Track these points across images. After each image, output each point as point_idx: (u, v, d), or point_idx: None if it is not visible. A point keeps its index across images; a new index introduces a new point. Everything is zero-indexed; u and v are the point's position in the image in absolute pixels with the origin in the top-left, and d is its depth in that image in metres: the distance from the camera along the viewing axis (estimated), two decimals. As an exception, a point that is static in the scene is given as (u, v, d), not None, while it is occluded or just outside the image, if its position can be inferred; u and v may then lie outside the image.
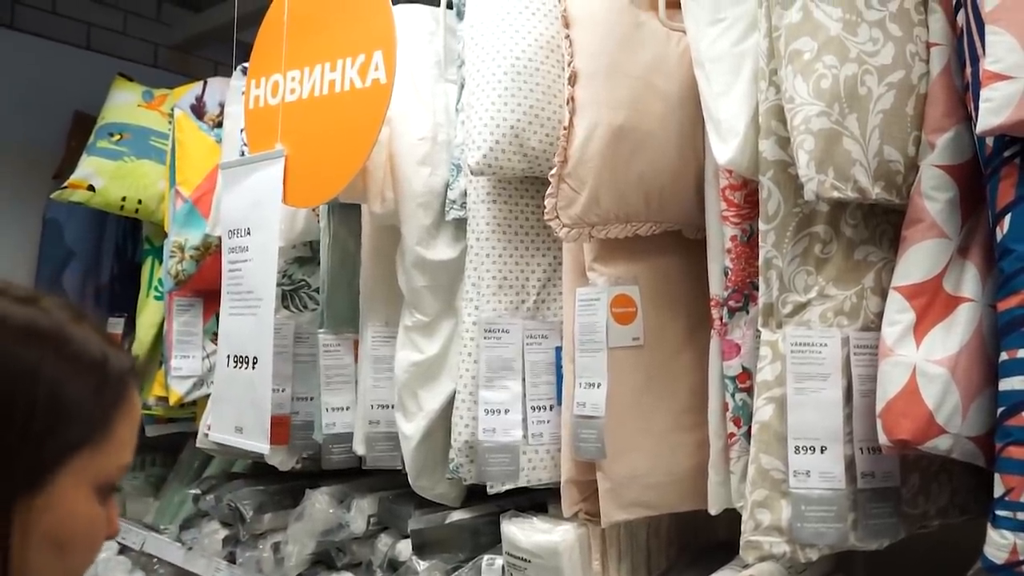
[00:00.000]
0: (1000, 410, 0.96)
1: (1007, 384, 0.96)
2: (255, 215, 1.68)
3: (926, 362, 1.02)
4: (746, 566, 1.21)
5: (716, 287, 1.26)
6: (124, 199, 2.33)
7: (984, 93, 0.95)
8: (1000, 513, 0.95)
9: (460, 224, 1.55)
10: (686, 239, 1.39)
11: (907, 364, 1.03)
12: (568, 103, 1.27)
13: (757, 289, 1.18)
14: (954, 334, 1.03)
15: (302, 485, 1.88)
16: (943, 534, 1.19)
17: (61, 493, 0.59)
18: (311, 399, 1.85)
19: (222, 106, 2.24)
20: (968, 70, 1.04)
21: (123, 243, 2.57)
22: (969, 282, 1.05)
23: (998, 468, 0.96)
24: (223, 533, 2.03)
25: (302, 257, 1.94)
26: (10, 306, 0.61)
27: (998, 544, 0.94)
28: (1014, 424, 0.94)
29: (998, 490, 0.95)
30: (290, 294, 1.93)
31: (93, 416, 0.61)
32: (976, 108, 0.97)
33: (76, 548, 0.61)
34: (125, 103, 2.46)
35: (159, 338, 2.31)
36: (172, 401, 2.16)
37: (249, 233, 1.69)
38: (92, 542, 0.63)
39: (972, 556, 1.05)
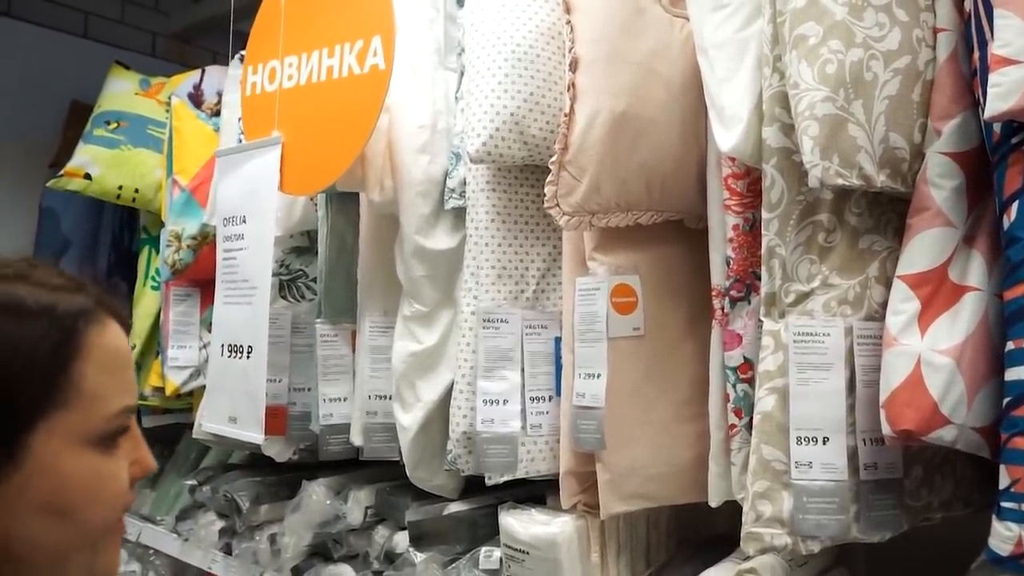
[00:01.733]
0: (1006, 400, 0.95)
1: (1013, 374, 0.94)
2: (251, 203, 1.66)
3: (931, 352, 1.01)
4: (747, 558, 1.20)
5: (718, 277, 1.25)
6: (121, 188, 2.31)
7: (992, 78, 0.93)
8: (1005, 505, 0.93)
9: (459, 213, 1.54)
10: (688, 228, 1.38)
11: (911, 354, 1.01)
12: (569, 90, 1.25)
13: (759, 279, 1.16)
14: (959, 323, 1.02)
15: (299, 476, 1.87)
16: (946, 527, 1.18)
17: (43, 459, 0.55)
18: (308, 390, 1.84)
19: (220, 94, 2.22)
20: (976, 55, 1.02)
21: (120, 232, 2.55)
22: (975, 271, 1.04)
23: (1003, 459, 0.94)
24: (219, 524, 2.02)
25: (300, 247, 1.92)
26: (48, 289, 0.58)
27: (1003, 536, 0.93)
28: (1020, 414, 0.93)
29: (1003, 481, 0.94)
30: (287, 284, 1.91)
31: (47, 374, 0.56)
32: (984, 94, 0.96)
33: (83, 509, 0.59)
34: (122, 91, 2.44)
35: (156, 328, 2.29)
36: (168, 391, 2.14)
37: (245, 221, 1.67)
38: (99, 496, 0.60)
39: (976, 549, 1.04)
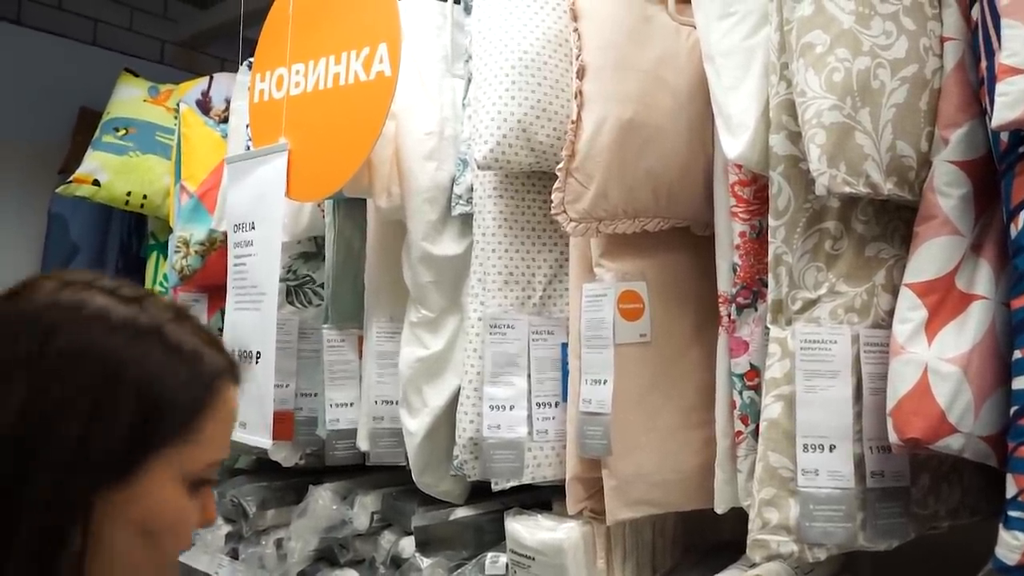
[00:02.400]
0: (1013, 409, 0.95)
1: (1021, 383, 0.94)
2: (259, 209, 1.67)
3: (938, 360, 1.01)
4: (753, 565, 1.20)
5: (724, 284, 1.25)
6: (129, 194, 2.32)
7: (999, 87, 0.93)
8: (1012, 514, 0.93)
9: (466, 219, 1.54)
10: (694, 235, 1.38)
11: (919, 362, 1.01)
12: (576, 97, 1.26)
13: (766, 286, 1.16)
14: (967, 332, 1.02)
15: (305, 481, 1.87)
16: (953, 535, 1.18)
17: (149, 485, 0.60)
18: (315, 395, 1.85)
19: (228, 101, 2.23)
20: (983, 64, 1.02)
21: (128, 238, 2.57)
22: (982, 279, 1.04)
23: (1011, 468, 0.94)
24: (226, 529, 2.02)
25: (307, 252, 1.93)
26: (114, 304, 0.63)
27: (1010, 545, 0.93)
28: (1028, 423, 0.93)
29: (1010, 490, 0.94)
30: (295, 289, 1.92)
31: (183, 413, 0.62)
32: (991, 103, 0.96)
33: (165, 537, 0.63)
34: (131, 98, 2.45)
35: (163, 333, 2.30)
36: (176, 396, 2.15)
37: (254, 227, 1.68)
38: (181, 532, 0.65)
39: (983, 558, 1.04)
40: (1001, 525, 0.94)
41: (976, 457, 1.02)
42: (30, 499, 0.55)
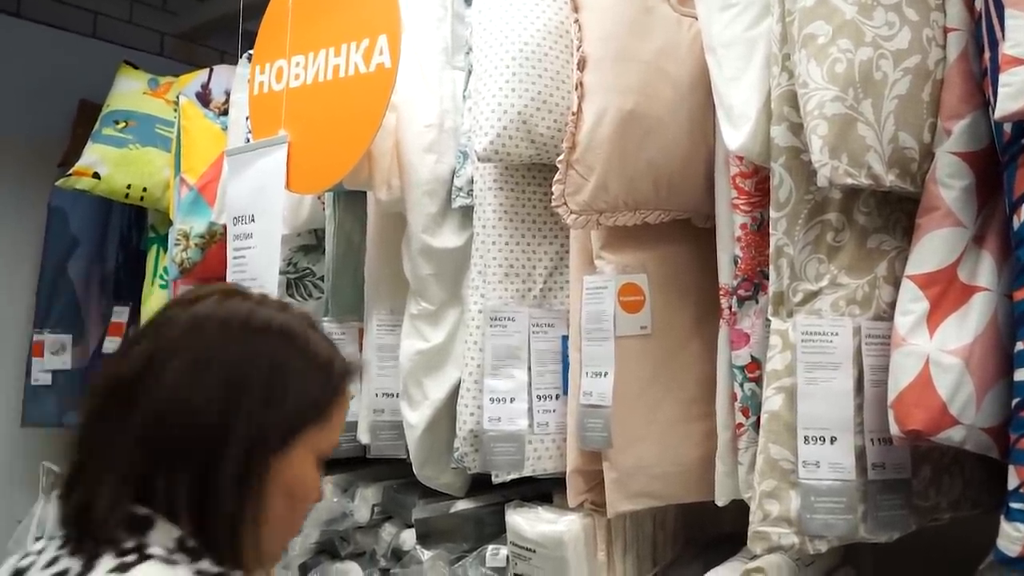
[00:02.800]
0: (1015, 401, 0.95)
1: (1023, 375, 0.94)
2: (259, 202, 1.67)
3: (940, 352, 1.00)
4: (754, 557, 1.20)
5: (725, 276, 1.25)
6: (129, 187, 2.32)
7: (1003, 78, 0.93)
8: (1014, 506, 0.93)
9: (467, 212, 1.54)
10: (695, 227, 1.38)
11: (920, 354, 1.01)
12: (577, 88, 1.25)
13: (767, 278, 1.16)
14: (969, 324, 1.01)
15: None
16: (954, 527, 1.18)
17: (296, 457, 0.75)
18: (315, 388, 1.84)
19: (228, 94, 2.23)
20: (986, 55, 1.02)
21: (128, 231, 2.57)
22: (984, 271, 1.03)
23: (1012, 460, 0.94)
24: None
25: (307, 245, 1.93)
26: (273, 312, 0.78)
27: (1012, 537, 0.93)
28: (1030, 415, 0.93)
29: (1012, 482, 0.93)
30: (295, 282, 1.92)
31: (320, 402, 0.77)
32: (994, 94, 0.95)
33: (301, 501, 0.79)
34: (130, 91, 2.44)
35: (164, 327, 2.30)
36: (176, 390, 2.15)
37: (253, 220, 1.68)
38: (310, 499, 0.80)
39: (984, 550, 1.04)
40: (1003, 517, 0.94)
41: (978, 449, 1.01)
42: (226, 455, 0.71)
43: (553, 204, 1.26)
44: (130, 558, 0.67)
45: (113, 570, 0.66)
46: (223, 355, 0.73)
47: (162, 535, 0.70)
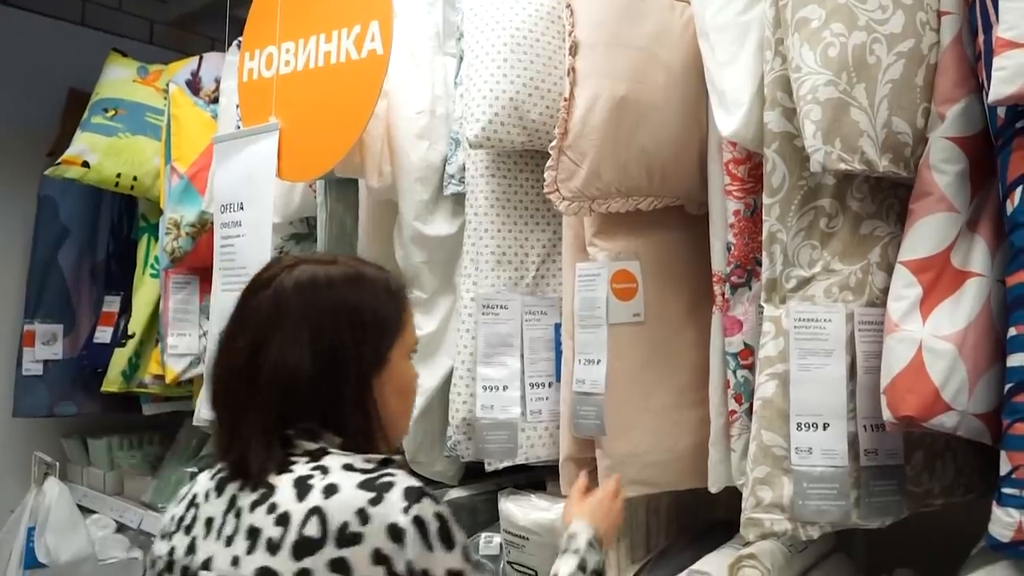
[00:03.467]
0: (1008, 386, 0.94)
1: (1016, 360, 0.94)
2: (248, 190, 1.66)
3: (933, 338, 1.00)
4: (746, 544, 1.20)
5: (718, 263, 1.24)
6: (119, 176, 2.30)
7: (997, 61, 0.92)
8: (1006, 491, 0.93)
9: (459, 199, 1.53)
10: (689, 214, 1.37)
11: (913, 340, 1.01)
12: (569, 74, 1.24)
13: (760, 264, 1.16)
14: (962, 309, 1.01)
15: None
16: (947, 513, 1.18)
17: (395, 364, 0.90)
18: (307, 376, 1.83)
19: (218, 81, 2.21)
20: (980, 39, 1.01)
21: (119, 220, 2.54)
22: (978, 256, 1.03)
23: (1004, 445, 0.94)
24: (220, 511, 2.02)
25: (299, 234, 1.91)
26: (330, 268, 0.90)
27: (1004, 522, 0.93)
28: (1022, 401, 0.93)
29: (1004, 468, 0.93)
30: (286, 271, 1.90)
31: (395, 318, 0.91)
32: (988, 77, 0.95)
33: (408, 393, 0.95)
34: (119, 79, 2.42)
35: (155, 316, 2.29)
36: (169, 379, 2.14)
37: (242, 208, 1.67)
38: (414, 386, 0.97)
39: (976, 535, 1.04)
40: (995, 502, 0.94)
41: (970, 435, 1.01)
42: (342, 396, 0.85)
43: (545, 190, 1.25)
44: (317, 453, 0.84)
45: (308, 458, 0.83)
46: (309, 320, 0.85)
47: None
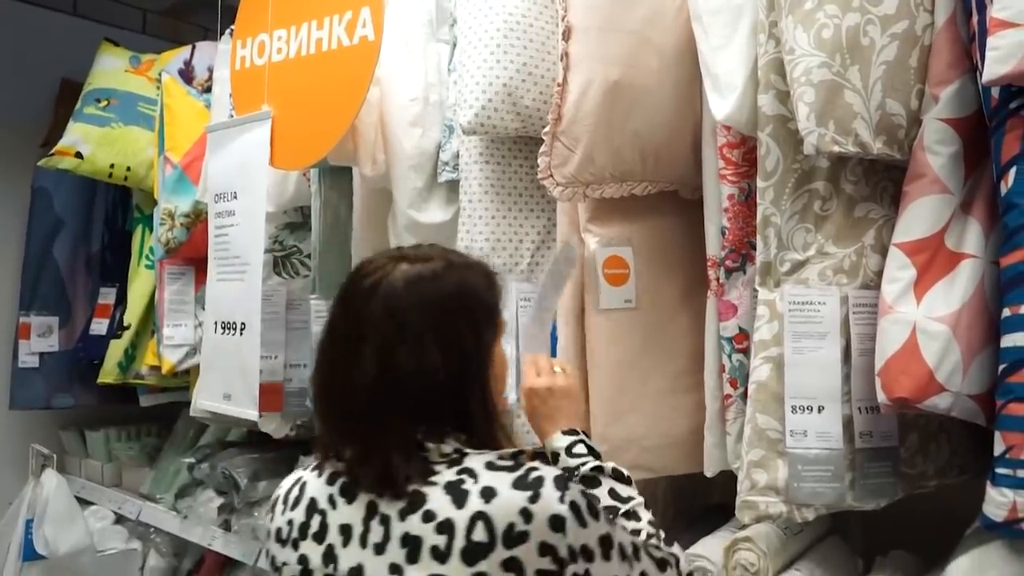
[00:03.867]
0: (1001, 367, 0.95)
1: (1009, 340, 0.94)
2: (242, 178, 1.65)
3: (927, 319, 1.00)
4: (742, 527, 1.20)
5: (713, 247, 1.24)
6: (112, 166, 2.29)
7: (991, 41, 0.92)
8: (1000, 471, 0.93)
9: (453, 186, 1.52)
10: (683, 199, 1.37)
11: (907, 322, 1.01)
12: (562, 59, 1.23)
13: (755, 248, 1.15)
14: (956, 291, 1.01)
15: (296, 452, 1.87)
16: (942, 495, 1.18)
17: (497, 352, 0.93)
18: (304, 366, 1.84)
19: (211, 70, 2.19)
20: (974, 19, 1.01)
21: (113, 211, 2.53)
22: (972, 238, 1.03)
23: (998, 425, 0.94)
24: (218, 501, 2.02)
25: (293, 223, 1.91)
26: (427, 266, 0.89)
27: (997, 502, 0.93)
28: (1016, 381, 0.93)
29: (998, 448, 0.94)
30: (281, 260, 1.90)
31: (495, 305, 0.93)
32: (982, 58, 0.94)
33: (503, 380, 0.96)
34: (112, 68, 2.40)
35: (151, 307, 2.28)
36: (165, 370, 2.14)
37: (236, 197, 1.66)
38: (507, 370, 0.99)
39: (970, 517, 1.04)
40: (988, 482, 0.95)
41: (964, 416, 1.01)
42: (467, 392, 0.87)
43: (539, 176, 1.25)
44: (454, 455, 0.85)
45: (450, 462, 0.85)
46: (431, 321, 0.86)
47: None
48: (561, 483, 0.82)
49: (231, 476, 1.94)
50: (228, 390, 1.68)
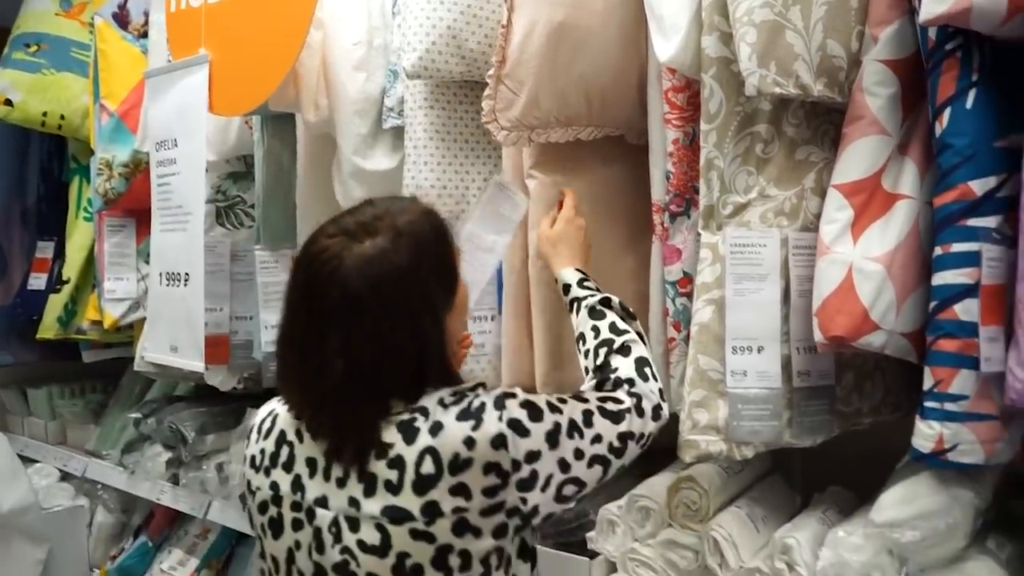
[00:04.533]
0: (932, 304, 0.97)
1: (940, 278, 0.96)
2: (181, 125, 1.60)
3: (863, 259, 1.02)
4: (685, 467, 1.22)
5: (658, 192, 1.24)
6: (45, 114, 2.20)
7: (928, -20, 0.92)
8: (928, 405, 0.96)
9: (398, 133, 1.49)
10: (629, 146, 1.36)
11: (844, 262, 1.03)
12: (506, 1, 1.21)
13: (699, 193, 1.16)
14: (891, 231, 1.03)
15: (244, 405, 1.85)
16: (879, 432, 1.21)
17: (457, 298, 0.96)
18: (250, 318, 1.81)
19: (147, 14, 2.11)
20: (913, -41, 1.01)
21: (48, 162, 2.45)
22: (908, 179, 1.05)
23: (928, 361, 0.97)
24: (166, 456, 2.00)
25: (236, 172, 1.86)
26: (383, 240, 0.90)
27: (925, 434, 0.96)
28: (945, 317, 0.95)
29: (927, 383, 0.97)
30: (225, 211, 1.86)
31: (453, 253, 0.96)
32: (920, -2, 0.95)
33: (466, 309, 1.01)
34: (41, 11, 2.29)
35: (91, 260, 2.22)
36: (107, 324, 2.09)
37: (176, 144, 1.62)
38: (468, 304, 1.03)
39: (905, 452, 1.07)
40: (917, 416, 0.98)
41: (897, 353, 1.04)
42: (426, 354, 0.90)
43: (484, 120, 1.23)
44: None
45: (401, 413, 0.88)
46: (378, 310, 0.87)
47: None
48: (499, 403, 0.87)
49: (178, 430, 1.92)
50: (174, 342, 1.65)
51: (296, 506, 0.91)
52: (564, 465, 0.88)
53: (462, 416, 0.86)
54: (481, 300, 1.41)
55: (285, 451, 0.93)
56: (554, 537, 1.35)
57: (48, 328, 2.26)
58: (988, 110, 0.95)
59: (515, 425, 0.86)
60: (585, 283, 1.14)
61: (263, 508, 0.94)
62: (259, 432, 0.98)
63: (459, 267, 0.97)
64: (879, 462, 1.16)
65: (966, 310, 0.94)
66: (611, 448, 0.92)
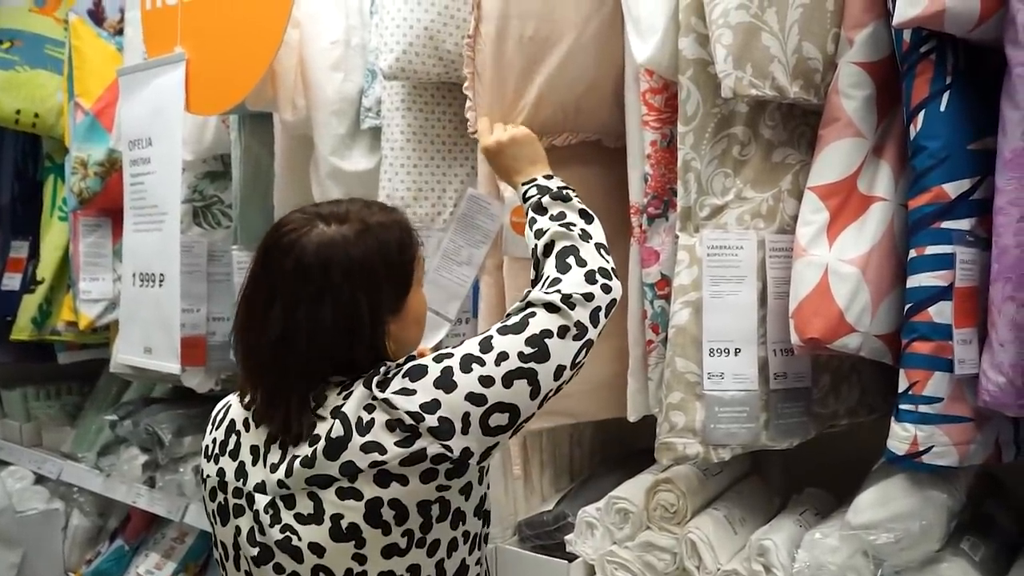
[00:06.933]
0: (907, 307, 0.97)
1: (914, 281, 0.96)
2: (157, 124, 1.58)
3: (838, 261, 1.02)
4: (665, 469, 1.22)
5: (636, 194, 1.24)
6: (19, 112, 2.17)
7: (902, -16, 0.92)
8: (903, 407, 0.97)
9: (376, 133, 1.48)
10: (606, 148, 1.36)
11: (820, 264, 1.03)
12: (473, 10, 1.21)
13: (676, 195, 1.16)
14: (866, 233, 1.03)
15: (222, 407, 1.84)
16: (857, 434, 1.22)
17: (410, 299, 0.96)
18: (227, 319, 1.79)
19: (123, 12, 2.08)
20: (888, -39, 1.01)
21: (23, 161, 2.41)
22: (883, 181, 1.05)
23: (903, 363, 0.97)
24: (142, 458, 1.98)
25: (213, 172, 1.84)
26: (341, 228, 0.93)
27: (900, 436, 0.97)
28: (920, 320, 0.96)
29: (902, 385, 0.97)
30: (201, 211, 1.84)
31: (413, 260, 0.98)
32: (894, 1, 0.95)
33: (422, 318, 1.01)
34: (14, 7, 2.27)
35: (65, 261, 2.19)
36: (82, 325, 2.06)
37: (151, 144, 1.60)
38: (424, 313, 1.02)
39: (882, 454, 1.08)
40: (892, 418, 0.98)
41: (872, 355, 1.04)
42: (366, 340, 0.91)
43: (470, 130, 1.23)
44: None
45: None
46: (322, 286, 0.90)
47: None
48: (393, 367, 0.90)
49: (155, 432, 1.90)
50: (148, 343, 1.63)
51: (238, 492, 0.93)
52: (475, 398, 0.87)
53: (367, 382, 0.89)
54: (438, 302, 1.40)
55: (233, 440, 0.96)
56: (533, 540, 1.35)
57: (22, 329, 2.23)
58: (962, 113, 0.96)
59: (400, 389, 0.87)
60: (554, 180, 1.10)
61: (212, 495, 0.97)
62: (213, 423, 1.01)
63: (416, 283, 0.98)
64: (857, 462, 1.16)
65: (940, 312, 0.95)
66: (522, 356, 0.89)
